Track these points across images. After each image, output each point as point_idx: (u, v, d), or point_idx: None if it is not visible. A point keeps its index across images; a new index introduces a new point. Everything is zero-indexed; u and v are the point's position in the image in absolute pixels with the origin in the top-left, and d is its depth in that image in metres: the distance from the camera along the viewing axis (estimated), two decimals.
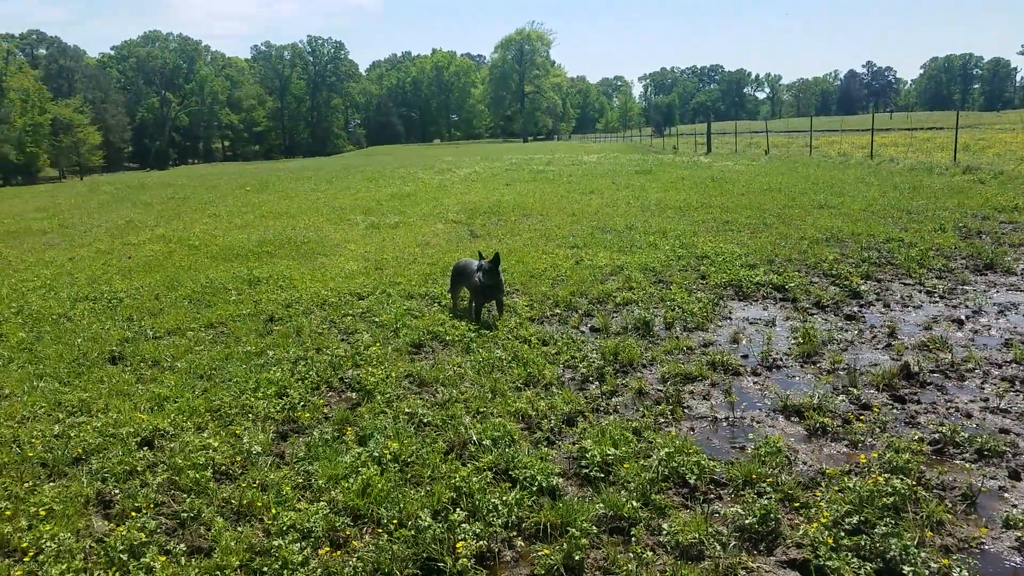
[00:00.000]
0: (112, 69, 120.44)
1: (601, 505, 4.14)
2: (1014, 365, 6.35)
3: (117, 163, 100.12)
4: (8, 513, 4.25)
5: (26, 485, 4.61)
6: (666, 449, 4.68)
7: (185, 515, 4.22)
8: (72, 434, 5.31)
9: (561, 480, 4.47)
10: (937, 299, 8.62)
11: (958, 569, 3.53)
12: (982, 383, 6.01)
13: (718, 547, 3.77)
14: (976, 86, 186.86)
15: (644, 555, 3.68)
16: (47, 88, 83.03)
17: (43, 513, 4.21)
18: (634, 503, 4.12)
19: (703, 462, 4.56)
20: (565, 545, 3.74)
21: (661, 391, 5.99)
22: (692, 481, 4.41)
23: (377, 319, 8.18)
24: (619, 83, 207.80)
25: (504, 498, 4.18)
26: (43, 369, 6.96)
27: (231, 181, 35.76)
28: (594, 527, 3.94)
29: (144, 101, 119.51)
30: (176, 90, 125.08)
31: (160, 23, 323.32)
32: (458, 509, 4.09)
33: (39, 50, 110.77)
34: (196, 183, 36.12)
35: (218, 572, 3.65)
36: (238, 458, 4.89)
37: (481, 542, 3.81)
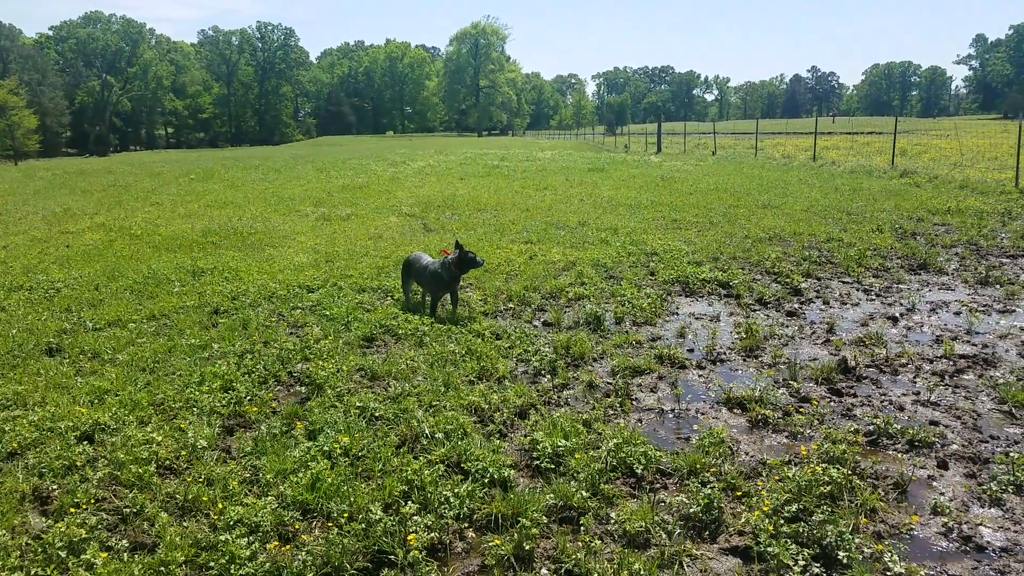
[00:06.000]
0: (50, 50, 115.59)
1: (551, 496, 4.20)
2: (944, 360, 6.64)
3: (54, 148, 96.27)
4: None
5: None
6: (615, 440, 4.77)
7: (127, 510, 4.12)
8: (7, 428, 5.12)
9: (513, 472, 4.52)
10: (874, 297, 8.94)
11: (889, 554, 3.69)
12: (914, 377, 6.28)
13: (664, 535, 3.87)
14: (914, 93, 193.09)
15: (592, 544, 3.75)
16: None
17: None
18: (583, 493, 4.19)
19: (650, 453, 4.67)
20: (516, 535, 3.79)
21: (611, 384, 6.10)
22: (639, 471, 4.51)
23: (328, 312, 8.10)
24: (573, 81, 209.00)
25: (456, 490, 4.20)
26: None
27: (175, 169, 34.83)
28: (544, 517, 4.00)
29: (84, 84, 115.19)
30: (118, 74, 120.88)
31: (102, 3, 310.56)
32: (410, 502, 4.10)
33: None
34: (138, 170, 35.06)
35: (163, 568, 3.58)
36: (183, 452, 4.80)
37: (432, 534, 3.83)
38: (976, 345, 7.06)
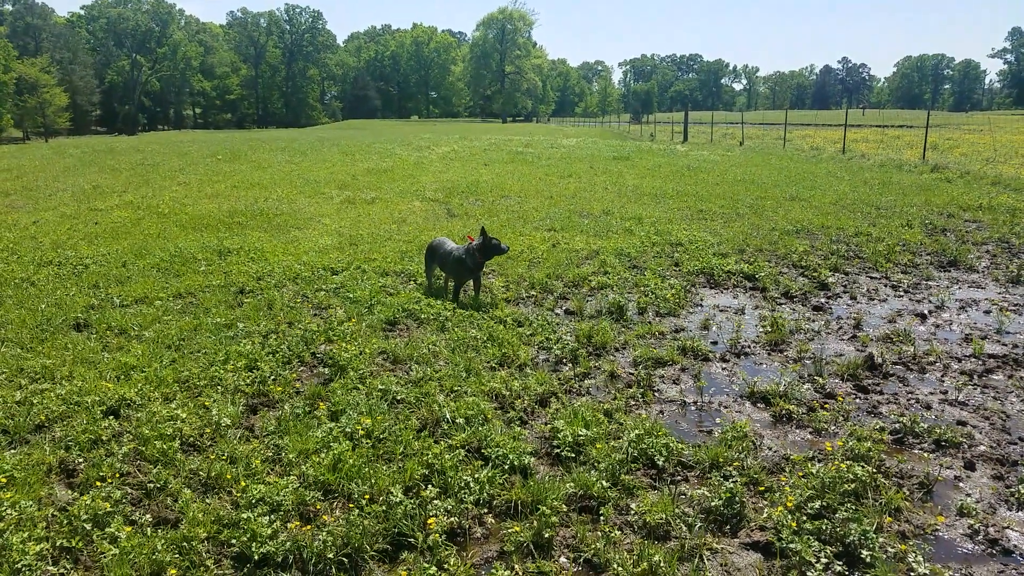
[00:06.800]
0: (81, 29, 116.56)
1: (571, 484, 4.19)
2: (973, 359, 6.53)
3: (84, 126, 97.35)
4: None
5: None
6: (636, 431, 4.74)
7: (151, 486, 4.18)
8: (35, 401, 5.21)
9: (533, 459, 4.51)
10: (902, 293, 8.80)
11: (914, 554, 3.64)
12: (942, 376, 6.17)
13: (684, 528, 3.85)
14: (947, 86, 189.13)
15: (612, 534, 3.74)
16: (12, 46, 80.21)
17: (3, 480, 4.13)
18: (604, 483, 4.18)
19: (671, 444, 4.64)
20: (535, 523, 3.79)
21: (632, 374, 6.06)
22: (660, 463, 4.49)
23: (351, 295, 8.13)
24: (599, 68, 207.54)
25: (476, 476, 4.21)
26: (5, 334, 6.82)
27: (202, 149, 35.09)
28: (564, 506, 4.00)
29: (114, 63, 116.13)
30: (147, 54, 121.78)
31: None
32: (430, 486, 4.11)
33: (5, 6, 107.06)
34: (166, 149, 35.37)
35: (185, 543, 3.62)
36: (207, 430, 4.85)
37: (452, 518, 3.84)
38: (1006, 345, 6.93)
